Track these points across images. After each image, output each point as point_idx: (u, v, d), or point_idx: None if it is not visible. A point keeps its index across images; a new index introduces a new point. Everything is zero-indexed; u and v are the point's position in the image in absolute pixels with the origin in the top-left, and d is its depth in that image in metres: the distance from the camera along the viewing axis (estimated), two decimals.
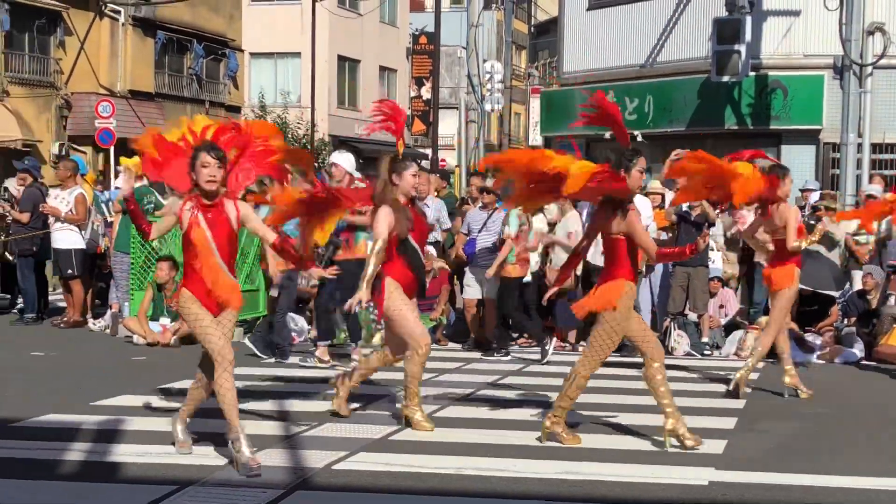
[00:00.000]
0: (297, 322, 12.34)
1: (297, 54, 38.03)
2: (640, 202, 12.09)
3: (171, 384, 9.18)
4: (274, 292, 11.10)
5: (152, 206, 12.92)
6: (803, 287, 11.94)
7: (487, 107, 33.81)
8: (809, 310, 12.28)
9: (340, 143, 37.70)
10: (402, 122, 7.96)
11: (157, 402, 8.40)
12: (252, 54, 37.90)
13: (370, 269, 7.38)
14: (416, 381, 7.58)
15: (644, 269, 12.11)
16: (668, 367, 10.81)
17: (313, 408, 8.22)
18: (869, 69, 16.67)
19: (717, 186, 8.39)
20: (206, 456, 6.58)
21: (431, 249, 12.75)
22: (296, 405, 8.36)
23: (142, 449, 6.74)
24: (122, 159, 13.97)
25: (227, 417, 6.25)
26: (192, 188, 6.33)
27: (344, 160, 10.55)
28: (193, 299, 6.29)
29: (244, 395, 7.87)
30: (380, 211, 7.54)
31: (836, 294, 12.09)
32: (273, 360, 10.77)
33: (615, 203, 7.02)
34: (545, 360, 11.16)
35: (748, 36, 16.66)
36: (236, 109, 35.51)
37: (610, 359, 11.31)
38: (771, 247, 9.20)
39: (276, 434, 7.29)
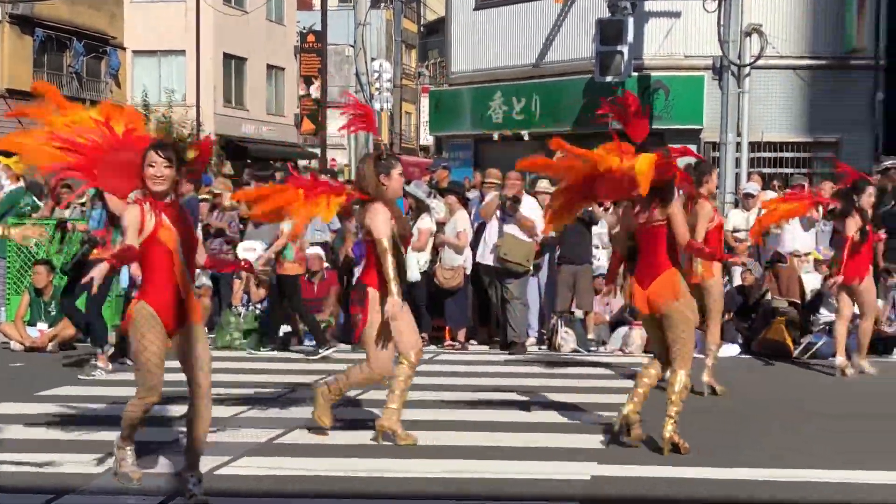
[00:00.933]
0: None
1: (182, 52, 37.41)
2: (530, 202, 12.22)
3: (49, 391, 8.94)
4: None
5: (29, 208, 12.58)
6: None
7: (377, 106, 33.54)
8: None
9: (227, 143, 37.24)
10: (373, 119, 7.62)
11: (34, 409, 8.17)
12: (135, 52, 37.17)
13: (390, 272, 6.95)
14: (354, 386, 7.45)
15: (532, 268, 12.23)
16: (555, 363, 10.99)
17: None
18: (747, 70, 17.11)
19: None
20: (84, 464, 6.42)
21: (320, 250, 12.69)
22: (177, 410, 8.19)
23: (18, 457, 6.55)
24: (1, 159, 13.57)
25: (124, 431, 5.98)
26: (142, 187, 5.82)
27: None
28: (152, 315, 5.70)
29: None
30: (374, 207, 7.10)
31: None
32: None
33: (655, 192, 6.83)
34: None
35: (630, 37, 16.97)
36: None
37: (496, 357, 11.36)
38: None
39: (158, 440, 7.14)
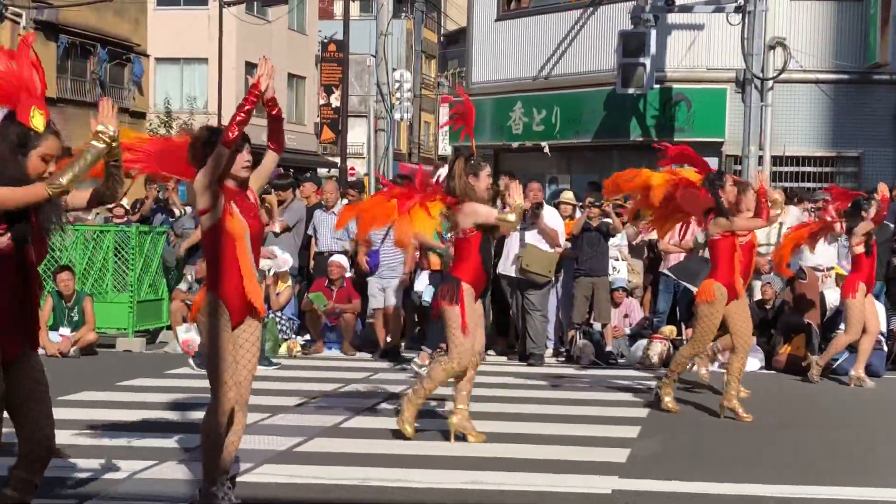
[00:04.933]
0: None
1: (205, 60, 37.59)
2: (551, 213, 12.22)
3: (71, 396, 8.98)
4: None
5: None
6: (671, 275, 12.03)
7: (396, 115, 33.76)
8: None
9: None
10: (472, 122, 7.79)
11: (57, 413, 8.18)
12: (158, 59, 37.37)
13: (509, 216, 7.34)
14: (428, 391, 7.50)
15: (553, 278, 12.22)
16: (573, 376, 10.97)
17: None
18: (770, 83, 17.03)
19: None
20: (107, 470, 6.45)
21: (343, 258, 12.65)
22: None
23: None
24: None
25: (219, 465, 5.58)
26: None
27: None
28: (221, 307, 5.41)
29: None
30: (468, 205, 7.40)
31: (694, 288, 12.04)
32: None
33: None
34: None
35: (653, 49, 16.90)
36: (141, 115, 34.98)
37: (514, 368, 11.34)
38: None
39: (177, 447, 7.17)
